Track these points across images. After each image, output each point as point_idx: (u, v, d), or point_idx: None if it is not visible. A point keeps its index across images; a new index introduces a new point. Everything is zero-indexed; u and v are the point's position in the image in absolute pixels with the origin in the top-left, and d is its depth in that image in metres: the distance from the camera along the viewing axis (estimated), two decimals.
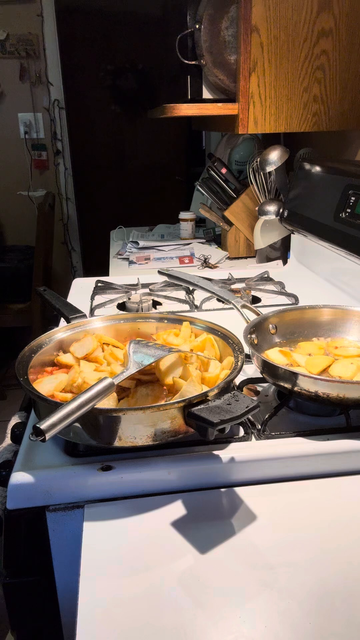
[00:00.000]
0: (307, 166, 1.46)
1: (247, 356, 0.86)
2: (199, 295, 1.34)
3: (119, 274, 1.72)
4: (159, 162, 3.80)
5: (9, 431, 0.82)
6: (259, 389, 0.88)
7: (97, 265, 2.71)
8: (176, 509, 0.64)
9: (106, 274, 1.70)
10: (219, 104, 1.36)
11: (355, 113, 1.38)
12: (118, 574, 0.55)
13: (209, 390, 0.67)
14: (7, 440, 0.81)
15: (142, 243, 2.01)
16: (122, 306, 1.31)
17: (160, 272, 1.13)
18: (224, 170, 1.86)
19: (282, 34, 1.27)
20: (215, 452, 0.69)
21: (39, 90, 3.37)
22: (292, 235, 1.62)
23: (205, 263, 1.78)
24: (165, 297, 1.35)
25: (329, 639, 0.48)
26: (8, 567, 0.69)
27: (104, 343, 0.88)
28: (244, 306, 0.95)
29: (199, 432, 0.63)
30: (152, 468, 0.67)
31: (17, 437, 0.79)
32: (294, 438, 0.73)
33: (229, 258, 1.87)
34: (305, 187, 1.45)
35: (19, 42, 3.23)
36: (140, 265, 1.80)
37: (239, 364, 0.75)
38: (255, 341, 0.86)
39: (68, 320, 0.97)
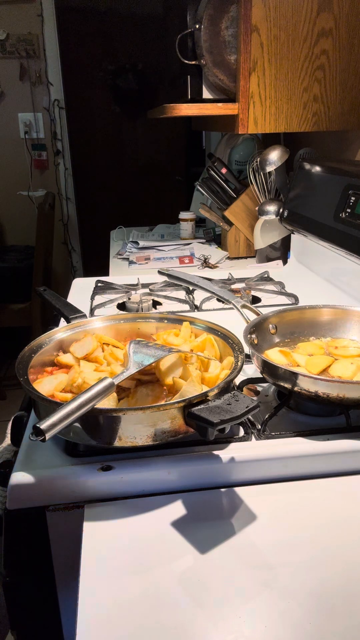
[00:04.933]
0: (307, 166, 1.46)
1: (247, 356, 0.86)
2: (199, 295, 1.34)
3: (119, 274, 1.72)
4: (159, 162, 3.80)
5: (9, 431, 0.82)
6: (259, 389, 0.88)
7: (97, 265, 2.71)
8: (176, 509, 0.64)
9: (106, 274, 1.70)
10: (219, 104, 1.36)
11: (355, 113, 1.38)
12: (118, 574, 0.55)
13: (209, 390, 0.67)
14: (7, 440, 0.81)
15: (142, 243, 2.01)
16: (122, 306, 1.31)
17: (160, 272, 1.13)
18: (224, 170, 1.86)
19: (282, 34, 1.27)
20: (215, 452, 0.69)
21: (39, 90, 3.37)
22: (292, 235, 1.62)
23: (205, 263, 1.78)
24: (165, 297, 1.35)
25: (329, 639, 0.48)
26: (8, 567, 0.69)
27: (104, 343, 0.88)
28: (244, 306, 0.95)
29: (199, 432, 0.63)
30: (152, 468, 0.67)
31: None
32: (294, 438, 0.73)
33: (229, 258, 1.87)
34: (305, 187, 1.45)
35: (19, 42, 3.23)
36: (140, 265, 1.80)
37: (239, 364, 0.75)
38: (255, 341, 0.86)
39: (68, 320, 0.97)
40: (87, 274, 3.75)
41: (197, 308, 1.27)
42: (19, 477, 0.66)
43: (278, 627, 0.49)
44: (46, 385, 0.76)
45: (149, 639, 0.48)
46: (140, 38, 3.45)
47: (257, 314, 0.93)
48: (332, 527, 0.61)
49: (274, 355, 0.86)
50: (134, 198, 3.82)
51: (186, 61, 1.46)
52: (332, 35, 1.29)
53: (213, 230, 2.11)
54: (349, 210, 1.21)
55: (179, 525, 0.62)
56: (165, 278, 1.13)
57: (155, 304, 1.32)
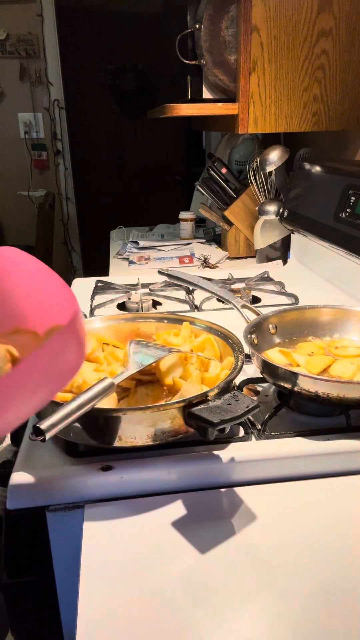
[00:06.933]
0: (307, 166, 1.46)
1: (247, 356, 0.86)
2: (199, 295, 1.34)
3: (119, 274, 1.72)
4: (159, 162, 3.80)
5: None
6: (259, 389, 0.88)
7: (97, 265, 2.71)
8: (176, 509, 0.64)
9: (106, 274, 1.70)
10: (219, 104, 1.36)
11: (355, 113, 1.38)
12: (118, 574, 0.55)
13: (209, 390, 0.67)
14: (7, 440, 0.81)
15: (142, 243, 2.01)
16: (122, 306, 1.31)
17: (160, 272, 1.13)
18: (224, 170, 1.86)
19: (282, 33, 1.27)
20: (215, 452, 0.69)
21: (39, 90, 3.37)
22: (292, 235, 1.62)
23: (205, 263, 1.78)
24: (165, 297, 1.35)
25: (329, 639, 0.48)
26: (8, 567, 0.69)
27: (104, 343, 0.88)
28: (244, 306, 0.95)
29: (199, 432, 0.63)
30: (152, 468, 0.67)
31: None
32: (294, 438, 0.73)
33: (229, 258, 1.87)
34: (305, 187, 1.45)
35: (19, 42, 3.23)
36: (140, 265, 1.80)
37: (239, 364, 0.75)
38: (255, 341, 0.86)
39: None
40: (87, 274, 3.75)
41: (197, 308, 1.27)
42: (19, 477, 0.66)
43: (278, 627, 0.49)
44: None
45: (149, 639, 0.48)
46: (140, 38, 3.45)
47: (257, 314, 0.93)
48: (332, 527, 0.61)
49: (274, 355, 0.86)
50: (134, 198, 3.82)
51: (186, 61, 1.46)
52: (332, 35, 1.29)
53: (213, 230, 2.11)
54: (349, 210, 1.21)
55: (179, 525, 0.62)
56: (165, 278, 1.13)
57: (155, 304, 1.32)
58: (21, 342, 0.57)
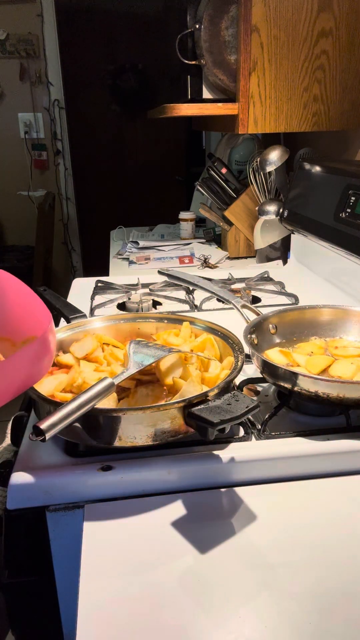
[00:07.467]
0: (307, 166, 1.46)
1: (247, 356, 0.86)
2: (199, 295, 1.34)
3: (119, 274, 1.72)
4: (159, 162, 3.80)
5: (9, 431, 0.82)
6: (259, 389, 0.88)
7: (97, 265, 2.71)
8: (176, 509, 0.64)
9: (106, 274, 1.70)
10: (219, 104, 1.36)
11: (355, 113, 1.38)
12: (118, 574, 0.55)
13: (209, 390, 0.67)
14: (7, 440, 0.81)
15: (142, 243, 2.01)
16: (122, 306, 1.31)
17: (160, 272, 1.13)
18: (224, 170, 1.86)
19: (282, 34, 1.27)
20: (215, 452, 0.69)
21: (39, 90, 3.37)
22: (292, 235, 1.62)
23: (205, 263, 1.78)
24: (165, 297, 1.35)
25: (328, 639, 0.48)
26: (8, 567, 0.69)
27: (104, 343, 0.88)
28: (244, 306, 0.95)
29: (199, 432, 0.63)
30: (152, 468, 0.67)
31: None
32: (294, 438, 0.73)
33: (229, 258, 1.87)
34: (305, 187, 1.45)
35: (19, 42, 3.23)
36: (140, 265, 1.80)
37: (239, 364, 0.75)
38: (255, 341, 0.86)
39: (68, 320, 0.97)
40: (87, 274, 3.76)
41: (197, 308, 1.27)
42: (19, 477, 0.66)
43: (278, 627, 0.49)
44: (46, 385, 0.76)
45: (149, 639, 0.48)
46: (140, 38, 3.45)
47: (257, 314, 0.93)
48: (332, 527, 0.61)
49: (274, 355, 0.86)
50: (134, 198, 3.82)
51: (186, 61, 1.46)
52: (332, 35, 1.29)
53: (213, 230, 2.11)
54: (349, 210, 1.21)
55: (179, 525, 0.62)
56: (165, 278, 1.13)
57: (155, 304, 1.32)
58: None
